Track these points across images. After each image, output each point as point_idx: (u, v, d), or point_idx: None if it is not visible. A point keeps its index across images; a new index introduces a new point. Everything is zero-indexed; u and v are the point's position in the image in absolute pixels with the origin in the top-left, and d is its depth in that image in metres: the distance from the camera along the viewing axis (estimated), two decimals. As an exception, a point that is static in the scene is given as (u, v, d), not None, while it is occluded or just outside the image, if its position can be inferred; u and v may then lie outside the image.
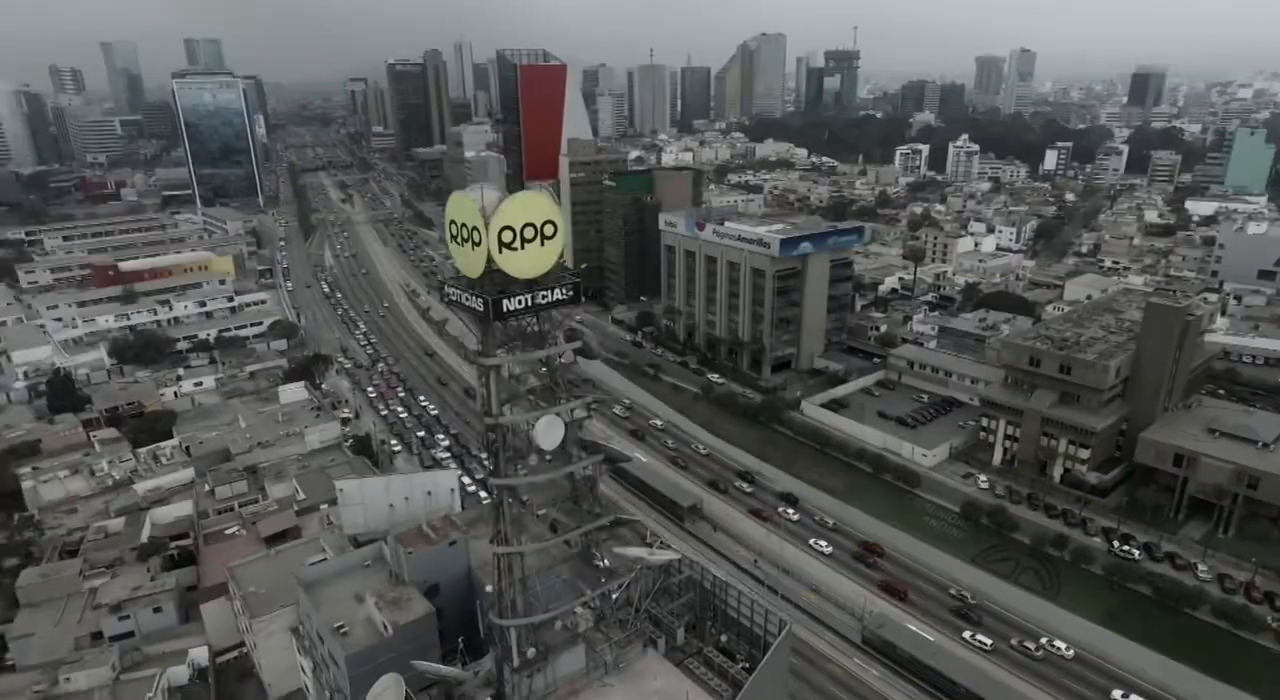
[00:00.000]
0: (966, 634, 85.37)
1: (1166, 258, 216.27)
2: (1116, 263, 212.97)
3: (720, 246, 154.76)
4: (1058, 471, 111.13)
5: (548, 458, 38.02)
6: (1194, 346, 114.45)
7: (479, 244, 33.67)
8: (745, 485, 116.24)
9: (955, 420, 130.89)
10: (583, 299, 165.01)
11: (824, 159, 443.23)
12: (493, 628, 41.59)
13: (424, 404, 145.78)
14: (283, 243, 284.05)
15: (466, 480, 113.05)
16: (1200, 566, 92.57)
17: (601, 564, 41.71)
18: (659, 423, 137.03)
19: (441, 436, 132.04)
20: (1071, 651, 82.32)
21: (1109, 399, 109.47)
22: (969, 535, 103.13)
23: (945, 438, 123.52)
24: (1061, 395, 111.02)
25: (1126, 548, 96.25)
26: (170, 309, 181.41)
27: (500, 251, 33.88)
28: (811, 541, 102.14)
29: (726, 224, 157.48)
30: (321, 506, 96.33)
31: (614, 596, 42.44)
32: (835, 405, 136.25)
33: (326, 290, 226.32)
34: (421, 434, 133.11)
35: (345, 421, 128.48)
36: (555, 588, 42.87)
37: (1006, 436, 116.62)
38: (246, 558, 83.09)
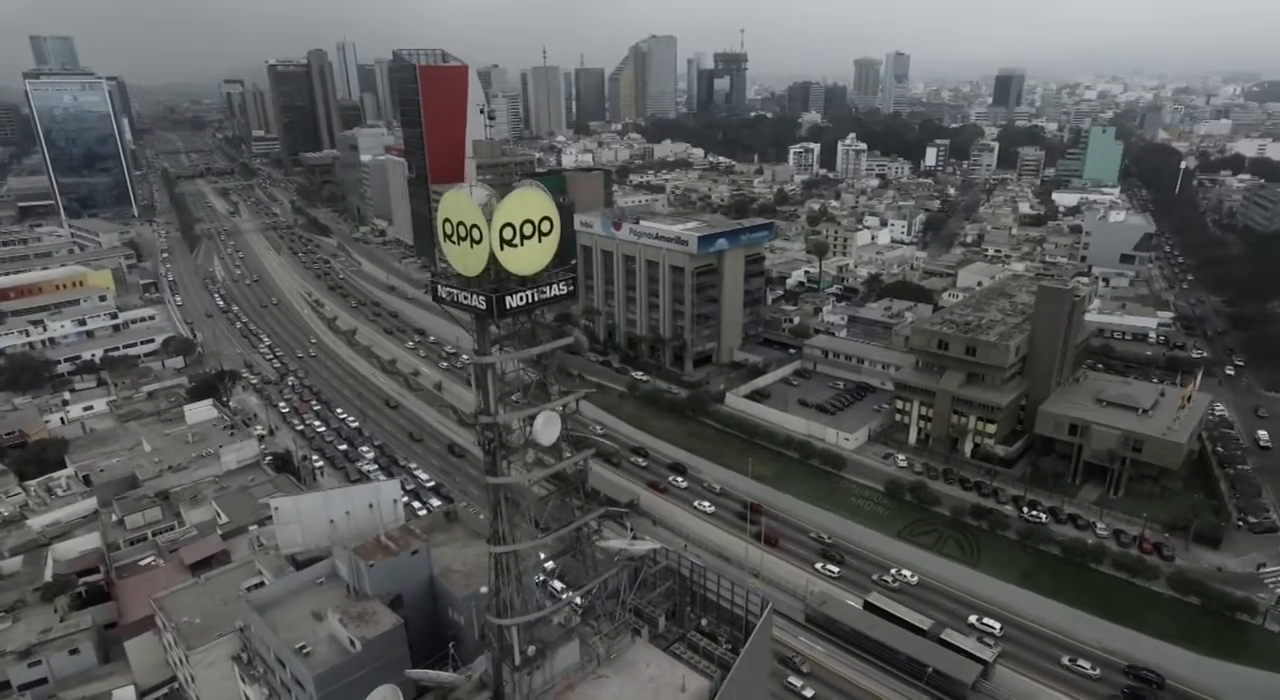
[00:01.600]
0: (818, 565, 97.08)
1: (1041, 246, 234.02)
2: (999, 251, 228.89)
3: (638, 246, 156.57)
4: (968, 447, 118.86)
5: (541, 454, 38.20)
6: (1079, 325, 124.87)
7: (479, 242, 33.53)
8: (679, 479, 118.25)
9: (870, 404, 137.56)
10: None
11: (721, 159, 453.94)
12: (488, 628, 41.29)
13: (343, 416, 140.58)
14: (166, 254, 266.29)
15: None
16: (1098, 525, 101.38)
17: (592, 557, 42.13)
18: (706, 482, 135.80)
19: (366, 448, 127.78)
20: (916, 578, 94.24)
21: (1010, 377, 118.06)
22: (893, 512, 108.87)
23: (863, 421, 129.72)
24: (968, 375, 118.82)
25: (1034, 513, 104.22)
26: (44, 329, 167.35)
27: (502, 248, 33.88)
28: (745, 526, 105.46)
29: (643, 223, 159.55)
30: (250, 528, 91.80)
31: (606, 588, 42.92)
32: (758, 396, 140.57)
33: (221, 303, 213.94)
34: (344, 447, 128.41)
35: (260, 439, 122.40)
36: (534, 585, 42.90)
37: (920, 417, 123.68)
38: (172, 588, 78.26)
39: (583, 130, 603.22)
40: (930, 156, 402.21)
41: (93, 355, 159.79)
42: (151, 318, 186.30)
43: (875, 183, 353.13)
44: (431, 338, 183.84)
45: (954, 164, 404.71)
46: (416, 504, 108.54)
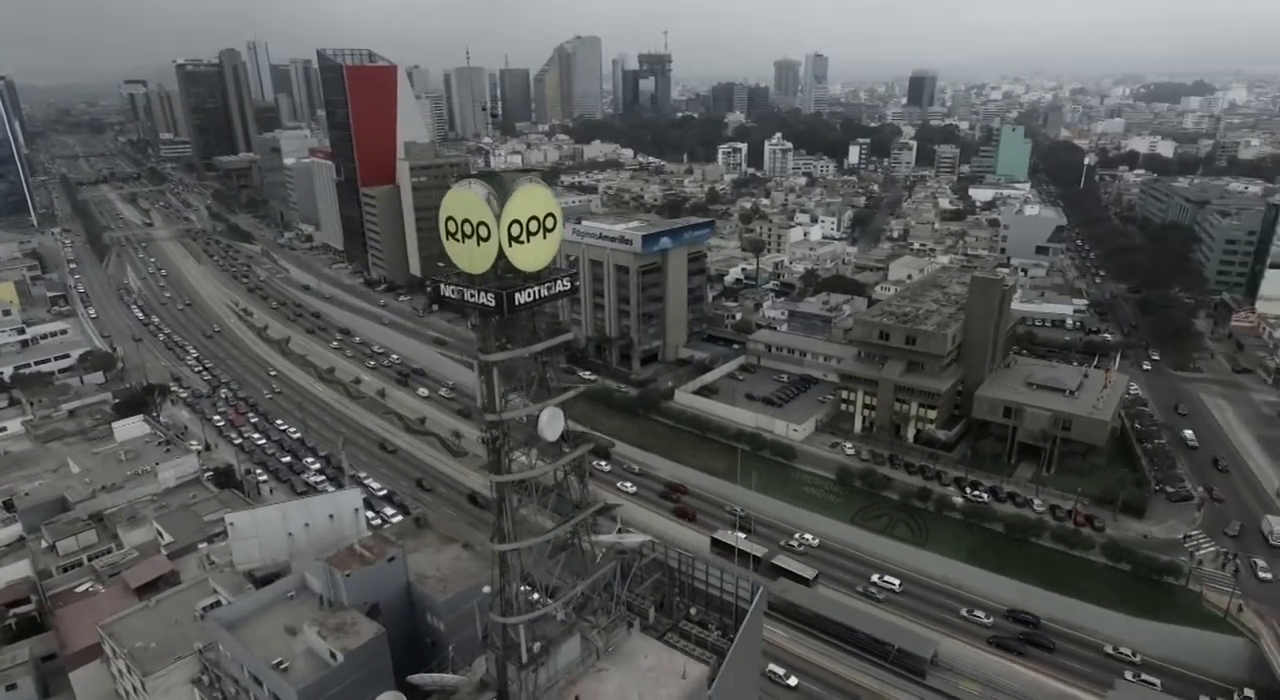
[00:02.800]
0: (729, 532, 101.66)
1: (963, 239, 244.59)
2: (924, 245, 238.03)
3: (581, 246, 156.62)
4: (911, 432, 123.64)
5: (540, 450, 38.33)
6: (1007, 313, 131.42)
7: (486, 239, 33.38)
8: (602, 463, 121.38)
9: (815, 395, 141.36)
10: (435, 306, 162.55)
11: (650, 159, 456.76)
12: (491, 628, 41.14)
13: (283, 428, 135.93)
14: (74, 265, 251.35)
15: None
16: (1035, 502, 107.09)
17: (591, 552, 42.46)
18: (636, 466, 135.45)
19: (310, 460, 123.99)
20: (817, 541, 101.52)
21: (948, 364, 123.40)
22: (844, 499, 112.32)
23: (810, 412, 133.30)
24: (908, 364, 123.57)
25: (976, 493, 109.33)
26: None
27: (510, 245, 33.86)
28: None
29: (585, 224, 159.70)
30: (199, 546, 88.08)
31: (600, 583, 43.33)
32: (706, 392, 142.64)
33: (140, 315, 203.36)
34: (287, 459, 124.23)
35: (196, 454, 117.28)
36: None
37: (865, 405, 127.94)
38: (119, 613, 74.44)
39: (508, 131, 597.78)
40: (853, 155, 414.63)
41: (1, 373, 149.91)
42: (63, 332, 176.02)
43: (803, 181, 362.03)
44: (357, 339, 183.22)
45: (875, 162, 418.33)
46: (370, 513, 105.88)
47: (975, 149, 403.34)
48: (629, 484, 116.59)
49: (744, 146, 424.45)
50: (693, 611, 50.59)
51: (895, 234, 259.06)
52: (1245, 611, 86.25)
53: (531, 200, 34.21)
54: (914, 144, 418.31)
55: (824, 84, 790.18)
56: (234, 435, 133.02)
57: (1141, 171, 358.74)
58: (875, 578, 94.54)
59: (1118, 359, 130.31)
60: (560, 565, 40.45)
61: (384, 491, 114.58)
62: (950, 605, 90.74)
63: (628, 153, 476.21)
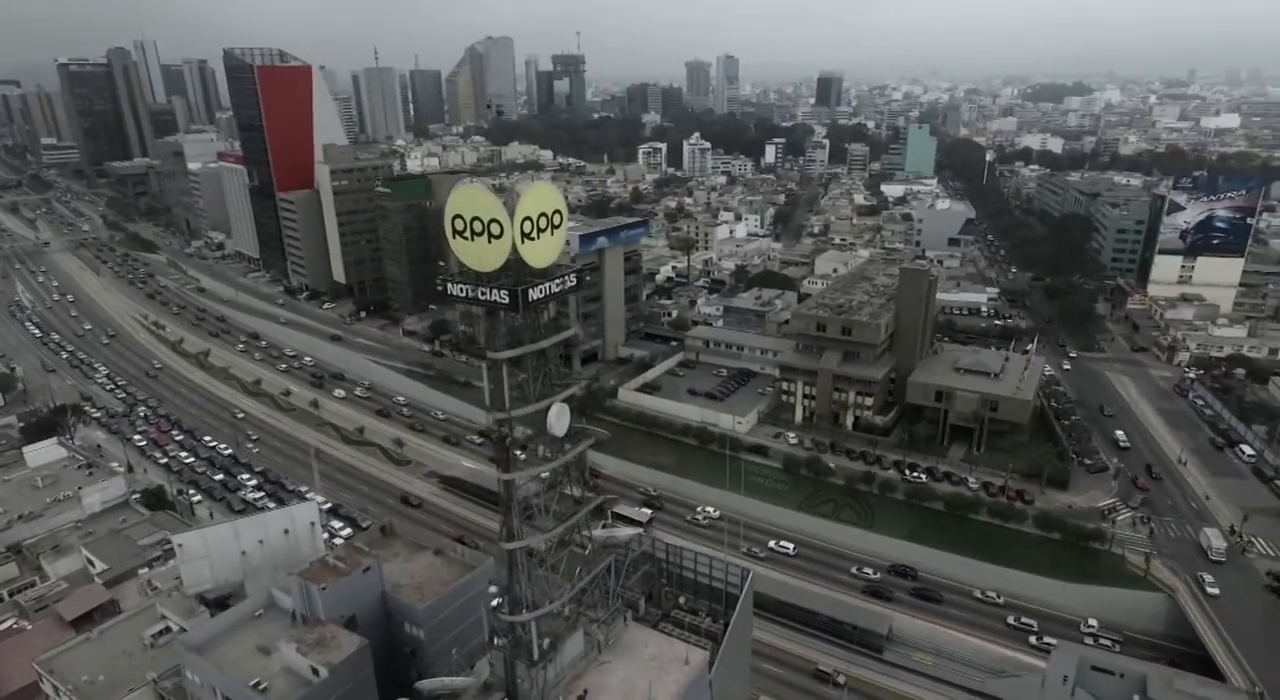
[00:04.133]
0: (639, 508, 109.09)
1: (879, 233, 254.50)
2: (844, 239, 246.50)
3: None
4: (850, 420, 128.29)
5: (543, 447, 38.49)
6: (934, 302, 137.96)
7: (498, 236, 33.29)
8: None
9: (754, 388, 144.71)
10: (364, 313, 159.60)
11: (570, 160, 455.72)
12: (499, 628, 41.01)
13: (212, 444, 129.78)
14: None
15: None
16: (970, 480, 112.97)
17: (589, 546, 42.85)
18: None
19: (246, 476, 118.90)
20: (718, 513, 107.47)
21: (881, 352, 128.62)
22: (792, 487, 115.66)
23: (752, 405, 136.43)
24: (845, 354, 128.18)
25: (915, 475, 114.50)
26: None
27: (523, 242, 33.90)
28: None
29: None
30: (140, 571, 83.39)
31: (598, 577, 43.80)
32: (648, 389, 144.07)
33: (36, 332, 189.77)
34: (221, 477, 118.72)
35: (123, 476, 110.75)
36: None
37: (805, 395, 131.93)
38: (57, 648, 69.93)
39: (422, 133, 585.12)
40: (769, 154, 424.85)
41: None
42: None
43: (723, 180, 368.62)
44: (263, 342, 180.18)
45: (791, 160, 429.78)
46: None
47: (884, 147, 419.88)
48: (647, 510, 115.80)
49: (664, 146, 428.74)
50: (682, 600, 51.57)
51: (816, 230, 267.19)
52: (1161, 569, 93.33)
53: (542, 197, 34.41)
54: (826, 143, 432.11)
55: (735, 85, 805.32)
56: (159, 455, 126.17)
57: (1036, 167, 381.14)
58: (772, 543, 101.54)
59: (1036, 341, 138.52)
60: (564, 561, 40.68)
61: (329, 505, 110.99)
62: (841, 565, 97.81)
63: (547, 154, 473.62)
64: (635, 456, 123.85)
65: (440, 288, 37.53)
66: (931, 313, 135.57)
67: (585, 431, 40.80)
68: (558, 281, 36.73)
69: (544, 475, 38.55)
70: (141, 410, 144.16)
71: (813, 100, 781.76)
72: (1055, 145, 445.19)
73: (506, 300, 34.59)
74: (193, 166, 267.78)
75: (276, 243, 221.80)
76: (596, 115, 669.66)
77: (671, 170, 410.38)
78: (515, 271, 35.32)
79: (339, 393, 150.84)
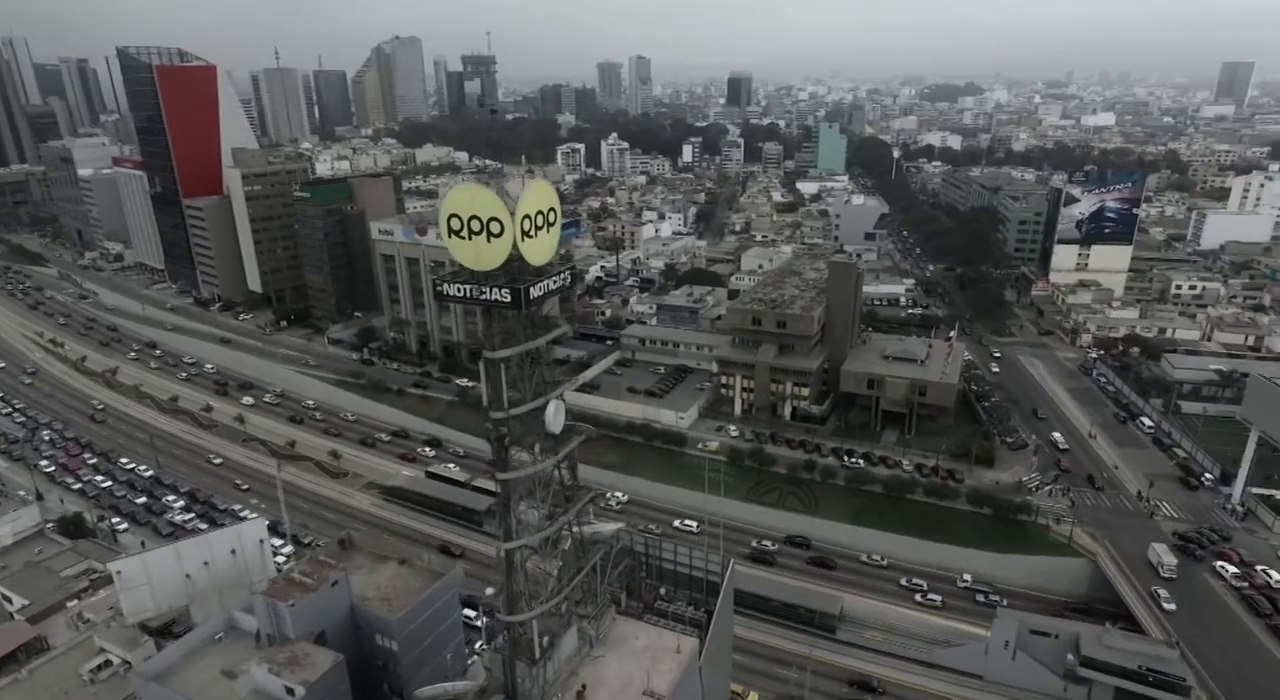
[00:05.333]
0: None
1: (798, 229, 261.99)
2: (766, 236, 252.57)
3: (447, 250, 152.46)
4: (788, 410, 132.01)
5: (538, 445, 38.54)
6: (861, 294, 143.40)
7: (498, 234, 33.12)
8: (428, 450, 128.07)
9: (692, 384, 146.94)
10: (284, 323, 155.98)
11: (487, 161, 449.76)
12: (497, 629, 40.79)
13: (130, 466, 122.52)
14: None
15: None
16: (904, 462, 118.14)
17: (583, 543, 43.09)
18: (461, 450, 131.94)
19: (171, 497, 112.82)
20: (627, 497, 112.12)
21: (815, 344, 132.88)
22: (737, 478, 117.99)
23: (692, 400, 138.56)
24: (780, 346, 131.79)
25: (853, 460, 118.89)
26: None
27: (523, 240, 33.86)
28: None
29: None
30: (68, 603, 78.23)
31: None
32: (588, 389, 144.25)
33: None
34: (143, 500, 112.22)
35: (36, 505, 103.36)
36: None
37: (743, 388, 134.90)
38: (-20, 693, 65.09)
39: (329, 136, 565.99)
40: (687, 153, 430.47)
41: None
42: None
43: (643, 179, 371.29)
44: (158, 351, 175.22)
45: (708, 159, 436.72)
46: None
47: (797, 146, 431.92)
48: (453, 465, 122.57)
49: (582, 147, 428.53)
50: (662, 591, 52.39)
51: (738, 227, 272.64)
52: (1082, 536, 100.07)
53: (540, 195, 34.57)
54: (741, 142, 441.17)
55: (648, 85, 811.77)
56: (71, 480, 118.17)
57: (939, 163, 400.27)
58: (676, 522, 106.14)
59: (957, 329, 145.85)
60: (559, 559, 40.88)
61: (266, 522, 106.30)
62: (741, 539, 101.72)
63: (462, 156, 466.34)
64: (580, 456, 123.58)
65: (436, 292, 37.03)
66: (859, 304, 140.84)
67: (576, 428, 41.08)
68: (553, 279, 36.94)
69: (536, 473, 38.55)
70: (46, 434, 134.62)
71: (723, 100, 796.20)
72: (954, 142, 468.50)
73: (509, 299, 34.58)
74: (84, 173, 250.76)
75: (184, 252, 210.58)
76: (510, 116, 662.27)
77: (591, 171, 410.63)
78: (512, 270, 35.31)
79: (247, 400, 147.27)
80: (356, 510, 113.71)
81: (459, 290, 35.70)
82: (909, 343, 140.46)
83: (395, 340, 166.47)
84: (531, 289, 35.07)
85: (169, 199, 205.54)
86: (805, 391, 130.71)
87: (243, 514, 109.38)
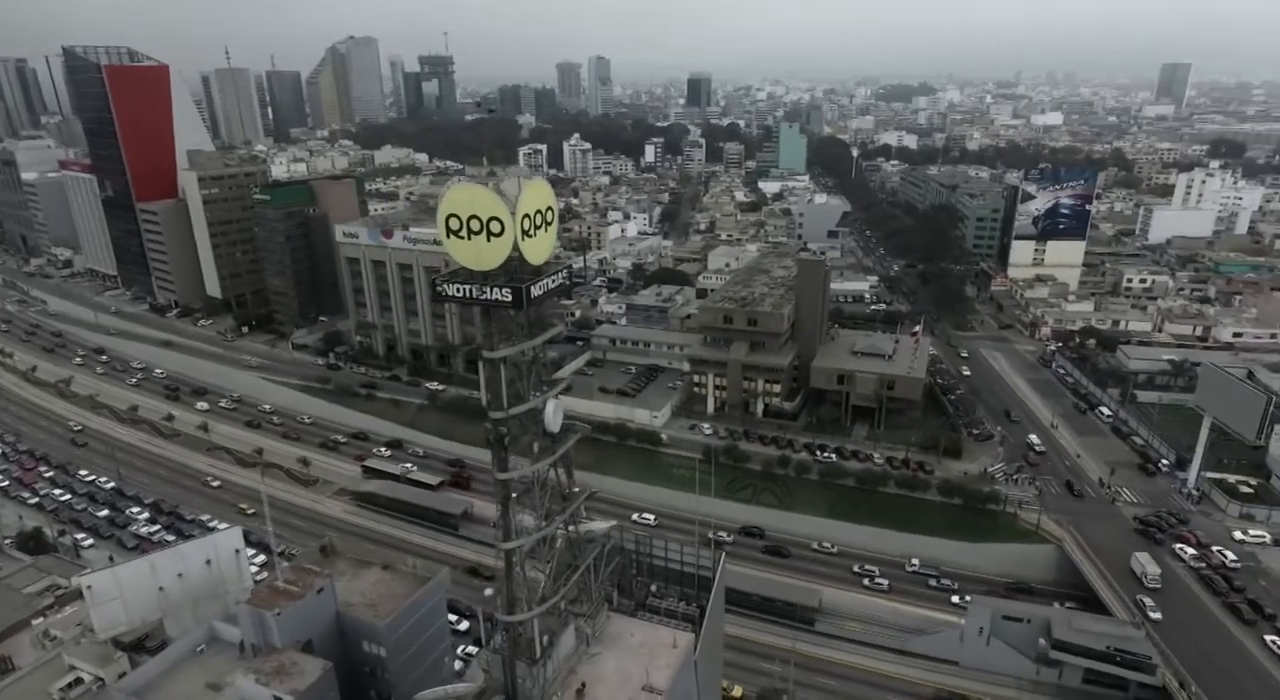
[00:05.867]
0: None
1: (762, 228, 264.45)
2: (731, 235, 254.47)
3: (414, 253, 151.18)
4: (760, 407, 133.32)
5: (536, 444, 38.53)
6: (829, 291, 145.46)
7: (499, 234, 33.01)
8: (383, 450, 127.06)
9: (664, 383, 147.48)
10: (245, 329, 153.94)
11: (448, 163, 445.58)
12: (496, 630, 40.69)
13: (90, 478, 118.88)
14: None
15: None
16: (875, 456, 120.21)
17: (580, 541, 43.17)
18: (420, 450, 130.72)
19: (136, 509, 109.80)
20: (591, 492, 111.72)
21: (785, 341, 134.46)
22: (712, 475, 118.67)
23: (664, 399, 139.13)
24: (752, 344, 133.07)
25: (826, 455, 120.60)
26: None
27: (523, 239, 33.84)
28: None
29: (416, 230, 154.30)
30: (33, 622, 75.66)
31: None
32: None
33: None
34: (105, 513, 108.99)
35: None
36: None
37: (715, 386, 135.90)
38: (-53, 717, 62.82)
39: (283, 138, 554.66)
40: (649, 154, 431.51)
41: None
42: None
43: (606, 180, 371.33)
44: (105, 357, 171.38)
45: (670, 159, 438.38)
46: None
47: (758, 145, 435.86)
48: (411, 465, 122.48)
49: (544, 148, 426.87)
50: (653, 588, 52.72)
51: (703, 227, 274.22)
52: (1049, 523, 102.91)
53: (538, 194, 34.62)
54: (703, 142, 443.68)
55: (608, 86, 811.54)
56: (27, 494, 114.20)
57: (896, 162, 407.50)
58: (635, 515, 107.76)
59: (922, 323, 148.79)
60: (553, 558, 40.94)
61: (241, 530, 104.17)
62: (690, 529, 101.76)
63: (422, 157, 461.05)
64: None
65: (434, 290, 36.81)
66: (827, 301, 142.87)
67: (573, 427, 41.18)
68: (552, 278, 37.02)
69: (535, 473, 38.59)
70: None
71: (683, 101, 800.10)
72: (911, 142, 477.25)
73: (509, 298, 34.55)
74: (28, 177, 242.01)
75: (138, 257, 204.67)
76: (469, 117, 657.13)
77: (554, 172, 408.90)
78: (510, 270, 35.30)
79: (202, 405, 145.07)
80: (328, 517, 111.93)
81: (458, 290, 35.55)
82: (876, 338, 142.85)
83: (362, 344, 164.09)
84: (532, 288, 35.11)
85: (121, 203, 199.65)
86: (777, 388, 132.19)
87: (210, 524, 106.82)
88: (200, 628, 58.02)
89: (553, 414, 37.64)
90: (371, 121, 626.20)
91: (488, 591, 42.12)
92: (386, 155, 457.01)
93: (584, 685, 41.77)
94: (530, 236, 34.67)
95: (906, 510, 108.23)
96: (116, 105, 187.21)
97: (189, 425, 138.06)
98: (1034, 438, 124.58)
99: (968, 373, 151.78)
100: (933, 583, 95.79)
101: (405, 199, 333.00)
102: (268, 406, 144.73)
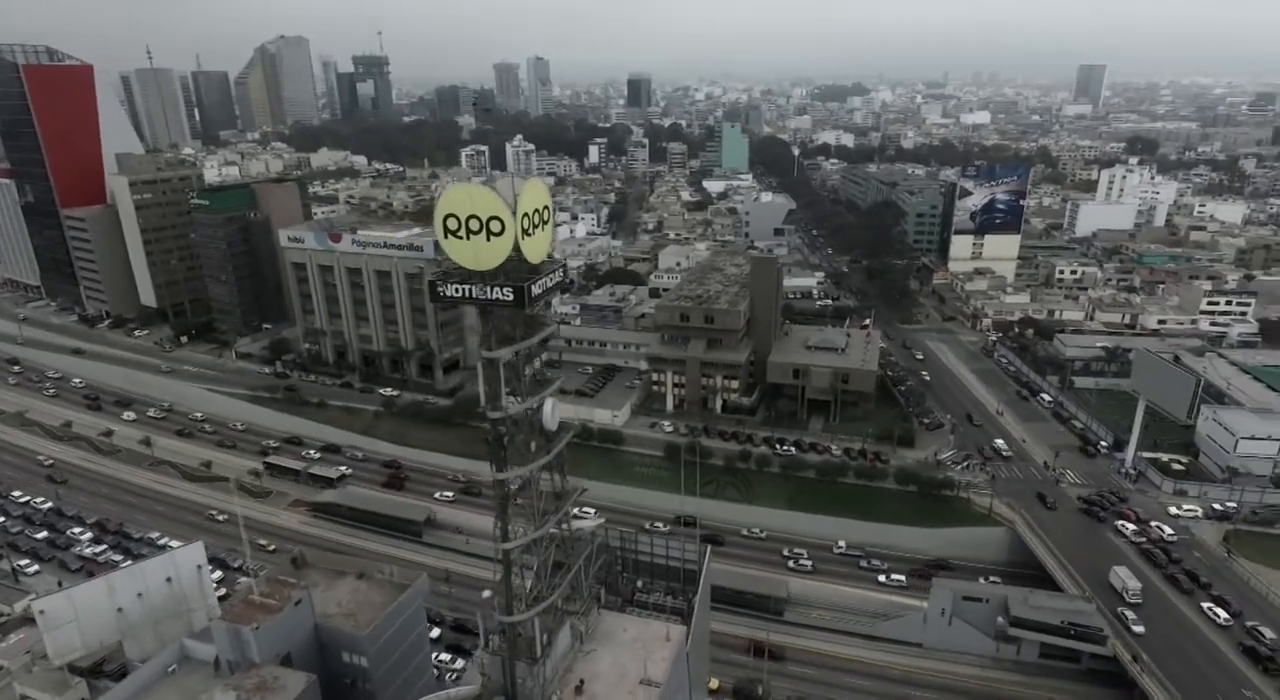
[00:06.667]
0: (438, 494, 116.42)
1: (709, 227, 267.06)
2: (679, 234, 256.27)
3: (364, 257, 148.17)
4: (719, 403, 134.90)
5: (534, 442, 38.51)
6: (782, 287, 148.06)
7: (499, 233, 32.83)
8: (312, 452, 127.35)
9: (622, 382, 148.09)
10: (185, 338, 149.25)
11: (388, 165, 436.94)
12: (495, 631, 40.51)
13: (24, 499, 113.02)
14: None
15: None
16: (833, 448, 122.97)
17: (573, 539, 43.29)
18: (359, 454, 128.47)
19: (78, 529, 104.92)
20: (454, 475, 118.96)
21: (742, 337, 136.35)
22: (674, 473, 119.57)
23: (623, 398, 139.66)
24: (709, 341, 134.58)
25: (785, 448, 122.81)
26: None
27: (522, 238, 33.78)
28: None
29: (364, 233, 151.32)
30: (-23, 652, 71.57)
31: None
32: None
33: None
34: (44, 535, 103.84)
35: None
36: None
37: (674, 384, 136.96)
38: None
39: (212, 141, 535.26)
40: (593, 154, 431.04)
41: None
42: None
43: (551, 180, 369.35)
44: (17, 368, 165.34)
45: (614, 160, 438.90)
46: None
47: (700, 145, 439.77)
48: (345, 468, 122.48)
49: (486, 149, 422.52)
50: (640, 584, 53.17)
51: (650, 226, 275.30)
52: (1001, 506, 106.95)
53: (536, 193, 34.70)
54: (646, 142, 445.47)
55: (548, 86, 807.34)
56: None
57: (836, 160, 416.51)
58: (575, 511, 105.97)
59: (872, 318, 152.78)
60: (552, 557, 41.02)
61: (202, 544, 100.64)
62: (636, 521, 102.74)
63: (360, 159, 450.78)
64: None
65: (433, 291, 36.47)
66: (780, 297, 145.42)
67: (565, 425, 41.30)
68: (550, 276, 37.09)
69: (531, 472, 38.63)
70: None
71: (623, 101, 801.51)
72: (848, 141, 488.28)
73: (511, 297, 34.51)
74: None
75: (64, 266, 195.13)
76: (407, 118, 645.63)
77: (497, 173, 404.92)
78: (508, 269, 35.25)
79: (128, 416, 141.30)
80: (285, 529, 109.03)
81: (457, 291, 35.32)
82: (829, 332, 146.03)
83: (310, 351, 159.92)
84: (533, 287, 35.16)
85: (43, 209, 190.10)
86: (735, 384, 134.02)
87: (161, 542, 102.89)
88: (170, 647, 56.13)
89: (550, 412, 37.75)
90: (305, 123, 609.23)
91: (485, 593, 41.75)
92: (323, 158, 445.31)
93: (582, 682, 41.94)
94: (529, 235, 34.74)
95: (865, 499, 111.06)
96: (36, 107, 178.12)
97: (130, 440, 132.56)
98: (1000, 442, 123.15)
99: (915, 364, 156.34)
100: (863, 564, 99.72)
101: (345, 202, 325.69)
102: (199, 414, 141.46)
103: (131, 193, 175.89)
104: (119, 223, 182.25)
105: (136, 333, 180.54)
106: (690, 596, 50.11)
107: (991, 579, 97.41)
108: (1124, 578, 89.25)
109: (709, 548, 51.89)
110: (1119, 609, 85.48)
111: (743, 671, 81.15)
